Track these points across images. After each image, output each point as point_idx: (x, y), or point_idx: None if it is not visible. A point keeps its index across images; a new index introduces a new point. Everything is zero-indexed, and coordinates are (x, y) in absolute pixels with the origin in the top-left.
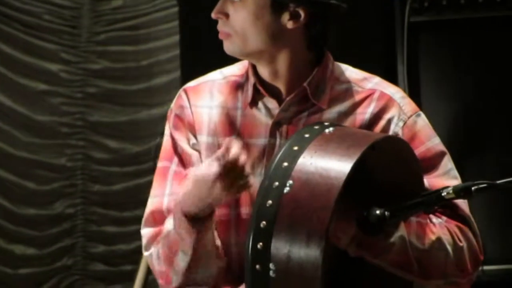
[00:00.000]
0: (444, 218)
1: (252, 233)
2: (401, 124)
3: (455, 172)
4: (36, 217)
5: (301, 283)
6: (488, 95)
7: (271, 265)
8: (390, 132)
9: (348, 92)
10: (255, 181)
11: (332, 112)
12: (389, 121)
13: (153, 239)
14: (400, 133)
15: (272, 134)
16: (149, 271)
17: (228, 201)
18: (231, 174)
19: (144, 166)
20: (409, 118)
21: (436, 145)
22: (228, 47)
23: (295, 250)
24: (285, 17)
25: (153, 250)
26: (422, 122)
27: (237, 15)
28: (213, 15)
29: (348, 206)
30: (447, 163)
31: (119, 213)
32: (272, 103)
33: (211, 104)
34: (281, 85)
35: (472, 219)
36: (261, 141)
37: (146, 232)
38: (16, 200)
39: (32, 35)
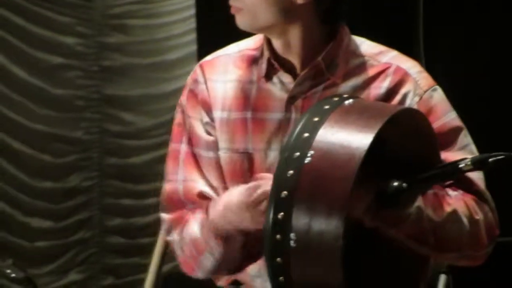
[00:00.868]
0: (461, 191)
1: (273, 204)
2: (416, 99)
3: (472, 147)
4: (52, 190)
5: (321, 252)
6: (506, 65)
7: (292, 235)
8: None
9: (363, 66)
10: (271, 155)
11: (347, 86)
12: (404, 96)
13: (175, 224)
14: (415, 107)
15: (287, 108)
16: (167, 244)
17: (246, 179)
18: (262, 205)
19: (160, 139)
20: (425, 92)
21: (453, 120)
22: (240, 21)
23: (316, 220)
24: None
25: (175, 238)
26: (439, 96)
27: None
28: None
29: (366, 176)
30: (464, 138)
31: (135, 186)
32: (286, 78)
33: (225, 79)
34: (294, 59)
35: (488, 194)
36: (276, 115)
37: (165, 217)
38: (32, 173)
39: (47, 8)
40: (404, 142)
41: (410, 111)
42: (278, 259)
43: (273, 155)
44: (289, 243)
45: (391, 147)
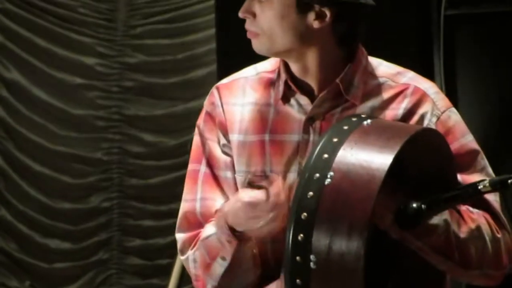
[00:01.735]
0: (480, 211)
1: (293, 225)
2: (434, 119)
3: (489, 170)
4: (72, 211)
5: (342, 274)
6: None
7: (312, 257)
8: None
9: (381, 87)
10: (290, 177)
11: (366, 107)
12: (422, 116)
13: (189, 243)
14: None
15: (306, 130)
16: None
17: None
18: (278, 207)
19: (180, 159)
20: (442, 113)
21: (470, 142)
22: (256, 46)
23: (336, 241)
24: (311, 16)
25: (189, 254)
26: (456, 117)
27: (264, 15)
28: (240, 15)
29: (387, 192)
30: (481, 161)
31: (155, 207)
32: (304, 100)
33: (243, 102)
34: (312, 82)
35: (504, 217)
36: (294, 137)
37: (180, 236)
38: (52, 194)
39: (68, 29)
40: (422, 161)
41: (429, 131)
42: (298, 280)
43: (292, 177)
44: (309, 265)
45: (409, 166)
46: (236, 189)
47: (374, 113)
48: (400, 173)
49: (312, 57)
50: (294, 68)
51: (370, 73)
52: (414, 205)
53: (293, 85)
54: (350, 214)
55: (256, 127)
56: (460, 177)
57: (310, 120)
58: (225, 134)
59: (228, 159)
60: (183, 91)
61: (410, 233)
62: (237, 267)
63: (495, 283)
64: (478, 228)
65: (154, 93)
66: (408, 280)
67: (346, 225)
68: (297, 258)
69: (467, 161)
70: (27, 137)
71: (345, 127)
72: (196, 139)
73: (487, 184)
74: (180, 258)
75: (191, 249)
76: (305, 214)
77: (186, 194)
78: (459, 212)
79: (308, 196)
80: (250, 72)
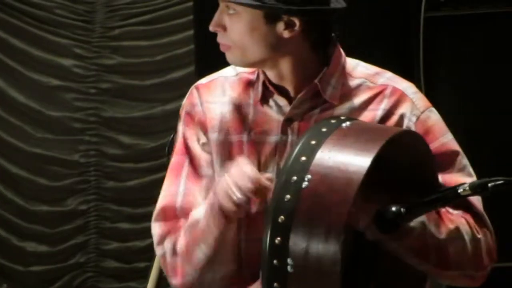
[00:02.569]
0: (460, 211)
1: (270, 228)
2: (414, 119)
3: (470, 169)
4: (49, 213)
5: (319, 278)
6: (506, 92)
7: (289, 260)
8: (403, 128)
9: (359, 88)
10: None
11: (344, 108)
12: (401, 117)
13: (166, 234)
14: (413, 128)
15: (284, 131)
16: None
17: None
18: (261, 191)
19: (158, 162)
20: (422, 113)
21: (450, 141)
22: (230, 59)
23: (313, 245)
24: (280, 27)
25: (166, 243)
26: (436, 117)
27: (233, 28)
28: (211, 28)
29: (366, 195)
30: (462, 159)
31: (132, 210)
32: (282, 101)
33: (223, 100)
34: (289, 86)
35: (486, 217)
36: (272, 138)
37: (157, 227)
38: (28, 197)
39: (45, 30)
40: (401, 164)
41: (408, 133)
42: (276, 284)
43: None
44: (286, 268)
45: (388, 168)
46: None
47: (352, 114)
48: (380, 176)
49: (286, 65)
50: (270, 74)
51: (348, 74)
52: (394, 208)
53: (271, 87)
54: (327, 218)
55: (235, 127)
56: (440, 176)
57: (288, 121)
58: (205, 133)
59: (208, 157)
60: (161, 93)
61: (385, 235)
62: (218, 255)
63: (476, 284)
64: (457, 228)
65: (132, 95)
66: (389, 282)
67: (323, 228)
68: (275, 261)
69: (447, 160)
70: (3, 139)
71: (324, 129)
72: (179, 137)
73: (467, 188)
74: (156, 249)
75: (169, 239)
76: (282, 217)
77: (167, 186)
78: (438, 212)
79: (286, 199)
80: (230, 72)
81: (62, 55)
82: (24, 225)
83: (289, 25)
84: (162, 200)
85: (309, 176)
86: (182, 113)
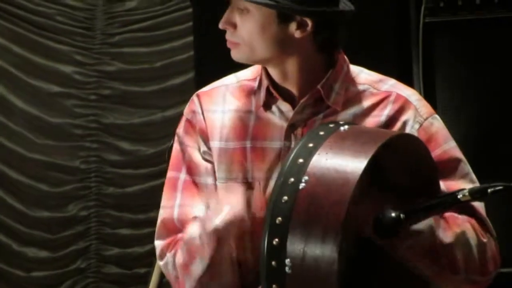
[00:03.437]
0: (464, 216)
1: (268, 229)
2: (417, 126)
3: (472, 176)
4: (49, 219)
5: (317, 278)
6: (505, 97)
7: (287, 261)
8: None
9: (363, 94)
10: (272, 184)
11: (347, 114)
12: (404, 123)
13: (167, 248)
14: (416, 135)
15: (287, 137)
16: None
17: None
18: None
19: (158, 168)
20: (425, 120)
21: (453, 148)
22: (235, 55)
23: (311, 246)
24: (292, 26)
25: (168, 257)
26: (439, 124)
27: (245, 26)
28: (220, 26)
29: (370, 198)
30: (464, 166)
31: (133, 216)
32: (285, 106)
33: (224, 109)
34: (292, 87)
35: (489, 222)
36: (276, 144)
37: (159, 243)
38: (29, 203)
39: (45, 37)
40: (402, 169)
41: (407, 137)
42: (274, 285)
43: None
44: (284, 269)
45: (388, 172)
46: (217, 196)
47: (356, 120)
48: (380, 181)
49: (292, 64)
50: (274, 73)
51: (352, 80)
52: (393, 214)
53: (274, 92)
54: (324, 218)
55: (237, 134)
56: (443, 183)
57: (291, 127)
58: (206, 141)
59: (209, 165)
60: (161, 99)
61: (395, 239)
62: (216, 268)
63: None
64: (463, 233)
65: (132, 102)
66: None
67: (320, 229)
68: (273, 262)
69: (450, 167)
70: (4, 145)
71: (321, 133)
72: (175, 147)
73: (467, 193)
74: (159, 263)
75: (169, 252)
76: (279, 218)
77: (164, 201)
78: (444, 216)
79: (283, 201)
80: (231, 80)
81: (63, 62)
82: (25, 230)
83: (301, 25)
84: (161, 216)
85: (306, 178)
86: (182, 120)
